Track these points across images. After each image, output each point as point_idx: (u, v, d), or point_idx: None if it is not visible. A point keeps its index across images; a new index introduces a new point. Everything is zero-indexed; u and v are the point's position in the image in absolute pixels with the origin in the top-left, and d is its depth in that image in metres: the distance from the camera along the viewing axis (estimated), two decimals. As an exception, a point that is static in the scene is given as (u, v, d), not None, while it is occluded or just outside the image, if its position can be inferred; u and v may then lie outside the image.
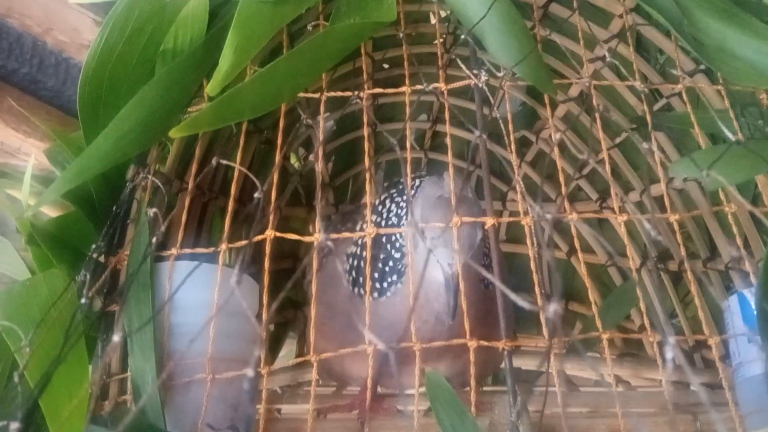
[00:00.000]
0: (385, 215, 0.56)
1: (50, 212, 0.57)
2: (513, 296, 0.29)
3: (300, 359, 0.49)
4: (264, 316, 0.45)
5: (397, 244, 0.54)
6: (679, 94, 0.61)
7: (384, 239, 0.54)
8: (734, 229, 0.50)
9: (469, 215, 0.46)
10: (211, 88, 0.48)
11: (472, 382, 0.43)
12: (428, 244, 0.44)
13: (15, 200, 0.61)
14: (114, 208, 0.52)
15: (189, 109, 0.54)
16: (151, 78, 0.52)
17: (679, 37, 0.53)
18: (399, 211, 0.55)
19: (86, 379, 0.42)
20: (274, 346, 0.79)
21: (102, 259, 0.49)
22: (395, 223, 0.55)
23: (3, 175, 0.63)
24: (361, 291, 0.54)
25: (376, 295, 0.53)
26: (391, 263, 0.54)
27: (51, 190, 0.48)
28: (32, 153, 0.63)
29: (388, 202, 0.57)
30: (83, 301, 0.42)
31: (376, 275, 0.53)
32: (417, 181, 0.55)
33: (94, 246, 0.48)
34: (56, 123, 0.64)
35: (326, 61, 0.52)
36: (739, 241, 0.50)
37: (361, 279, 0.54)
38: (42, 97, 0.67)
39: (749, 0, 0.57)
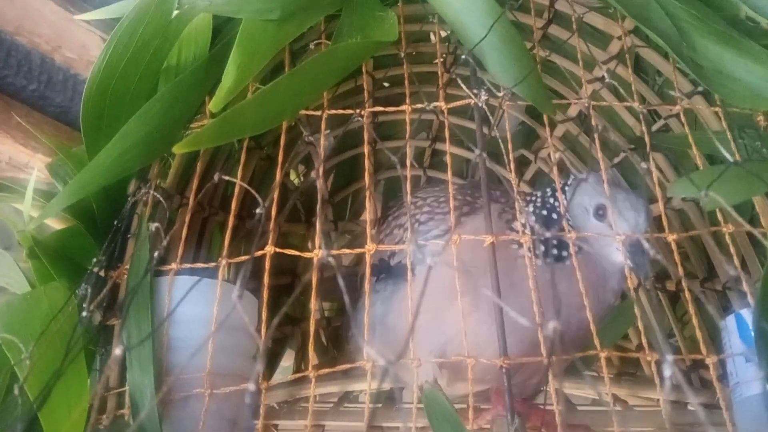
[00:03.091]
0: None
1: (55, 224, 0.57)
2: (513, 314, 0.29)
3: (298, 375, 0.49)
4: (263, 331, 0.45)
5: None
6: (677, 116, 0.62)
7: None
8: (732, 250, 0.50)
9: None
10: (213, 104, 0.48)
11: (470, 400, 0.43)
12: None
13: (20, 214, 0.61)
14: (115, 223, 0.52)
15: (191, 126, 0.55)
16: (154, 94, 0.52)
17: (678, 59, 0.54)
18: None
19: (85, 393, 0.42)
20: (271, 361, 0.79)
21: (102, 273, 0.50)
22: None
23: (9, 189, 0.63)
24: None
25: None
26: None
27: (53, 203, 0.49)
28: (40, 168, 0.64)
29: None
30: (84, 314, 0.42)
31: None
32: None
33: (95, 260, 0.48)
34: (64, 138, 0.65)
35: (328, 79, 0.53)
36: (736, 261, 0.51)
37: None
38: (50, 113, 0.68)
39: (747, 23, 0.58)
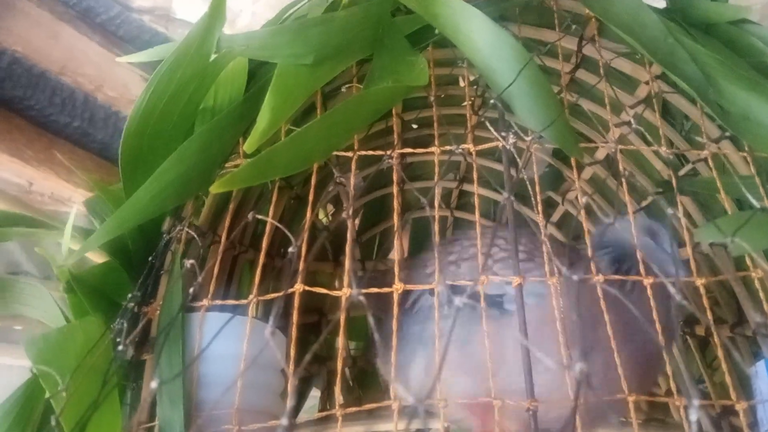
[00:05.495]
0: None
1: (96, 257, 0.58)
2: (538, 354, 0.29)
3: (324, 413, 0.49)
4: (291, 369, 0.46)
5: None
6: (705, 160, 0.62)
7: None
8: (761, 295, 0.50)
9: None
10: (248, 145, 0.49)
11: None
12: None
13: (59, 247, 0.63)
14: (149, 259, 0.53)
15: (226, 165, 0.56)
16: (191, 134, 0.54)
17: (705, 104, 0.54)
18: None
19: (118, 427, 0.43)
20: (297, 400, 0.79)
21: (136, 308, 0.51)
22: None
23: (47, 225, 0.65)
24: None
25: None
26: None
27: (91, 240, 0.50)
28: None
29: None
30: (120, 348, 0.43)
31: None
32: None
33: (130, 295, 0.50)
34: (105, 173, 0.68)
35: (360, 122, 0.54)
36: (765, 306, 0.50)
37: None
38: (92, 149, 0.71)
39: (774, 70, 0.59)
